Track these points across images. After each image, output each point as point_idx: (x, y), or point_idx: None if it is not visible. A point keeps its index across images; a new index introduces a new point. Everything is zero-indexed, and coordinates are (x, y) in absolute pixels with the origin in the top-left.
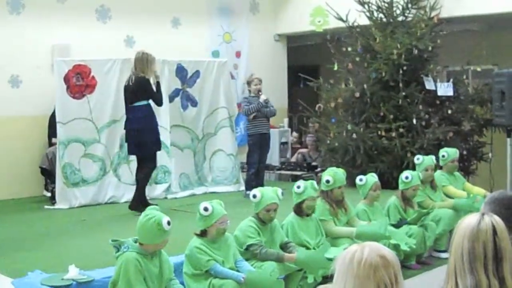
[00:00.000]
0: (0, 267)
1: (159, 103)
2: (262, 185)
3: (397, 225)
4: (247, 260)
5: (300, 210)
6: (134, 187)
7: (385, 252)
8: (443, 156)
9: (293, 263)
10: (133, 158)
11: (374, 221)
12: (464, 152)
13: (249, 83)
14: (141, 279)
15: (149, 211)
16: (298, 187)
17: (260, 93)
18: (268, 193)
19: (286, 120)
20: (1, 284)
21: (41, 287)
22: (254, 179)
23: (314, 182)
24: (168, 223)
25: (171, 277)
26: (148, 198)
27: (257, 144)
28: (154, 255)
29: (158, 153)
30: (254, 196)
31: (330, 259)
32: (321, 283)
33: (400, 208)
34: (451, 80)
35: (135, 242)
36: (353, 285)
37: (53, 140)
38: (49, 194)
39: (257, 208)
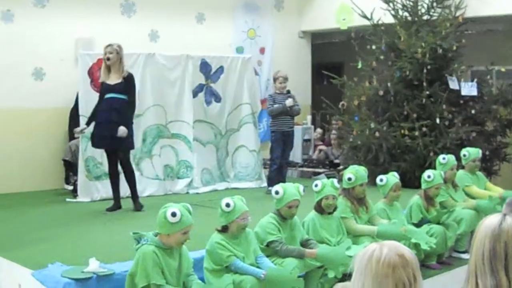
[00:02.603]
0: (21, 258)
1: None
2: (284, 181)
3: (418, 224)
4: (268, 256)
5: (320, 208)
6: (156, 182)
7: (404, 251)
8: (464, 155)
9: (314, 259)
10: (156, 153)
11: (395, 220)
12: (487, 153)
13: (275, 79)
14: (158, 272)
15: (171, 203)
16: (316, 185)
17: (289, 94)
18: (290, 189)
19: (309, 117)
20: (21, 276)
21: (62, 280)
22: (277, 176)
23: (335, 180)
24: (173, 214)
25: (189, 272)
26: (170, 192)
27: (279, 141)
28: (174, 249)
29: (181, 147)
30: (277, 193)
31: (351, 257)
32: (340, 281)
33: (423, 208)
34: (475, 80)
35: (156, 235)
36: (371, 284)
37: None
38: (70, 188)
39: (279, 204)
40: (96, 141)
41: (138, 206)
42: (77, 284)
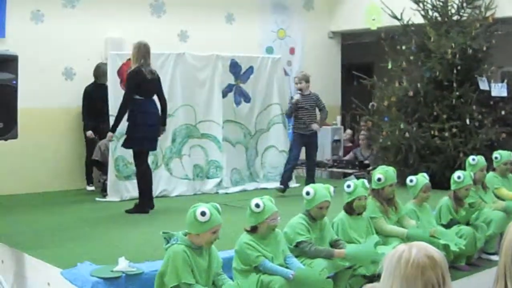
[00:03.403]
0: (50, 257)
1: None
2: (313, 182)
3: (447, 225)
4: (296, 257)
5: (350, 209)
6: (185, 181)
7: (433, 253)
8: (495, 158)
9: (343, 259)
10: (185, 152)
11: (424, 224)
12: None
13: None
14: (188, 271)
15: (200, 202)
16: (348, 186)
17: (299, 91)
18: (321, 190)
19: (339, 118)
20: (50, 275)
21: (91, 279)
22: (289, 175)
23: (365, 181)
24: (202, 213)
25: (219, 271)
26: (199, 192)
27: (297, 142)
28: (204, 249)
29: (211, 147)
30: (308, 193)
31: (380, 257)
32: (369, 282)
33: (452, 209)
34: (505, 80)
35: (185, 235)
36: (400, 285)
37: (88, 133)
38: (91, 188)
39: (310, 205)
40: None
41: (133, 208)
42: (106, 283)
